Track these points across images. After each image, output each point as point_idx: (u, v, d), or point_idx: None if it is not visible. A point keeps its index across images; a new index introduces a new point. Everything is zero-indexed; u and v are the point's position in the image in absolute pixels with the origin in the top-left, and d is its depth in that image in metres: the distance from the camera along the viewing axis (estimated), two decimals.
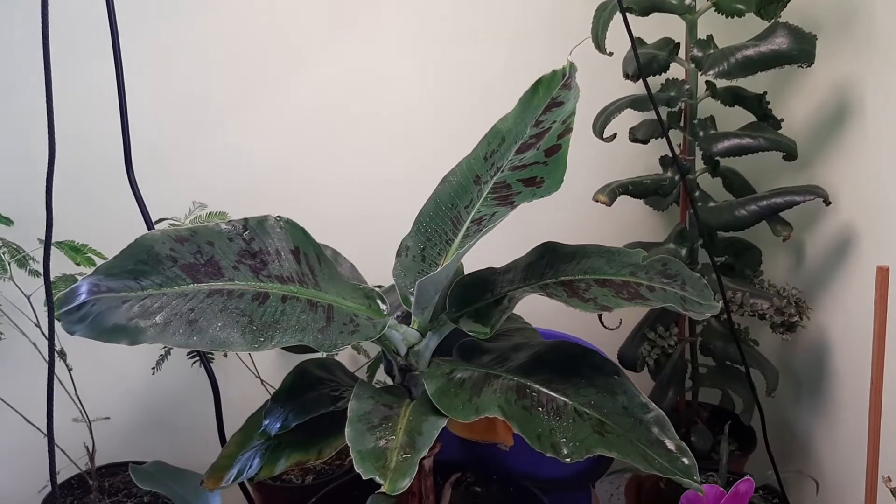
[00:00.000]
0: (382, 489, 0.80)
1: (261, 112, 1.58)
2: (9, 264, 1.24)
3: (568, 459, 0.85)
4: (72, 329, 0.84)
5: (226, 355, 1.53)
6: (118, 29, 0.99)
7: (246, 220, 0.99)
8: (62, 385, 1.39)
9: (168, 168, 1.50)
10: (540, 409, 0.91)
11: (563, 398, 0.93)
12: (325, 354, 1.29)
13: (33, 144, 1.50)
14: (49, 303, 0.75)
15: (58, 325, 1.33)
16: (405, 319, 1.07)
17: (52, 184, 0.73)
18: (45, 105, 1.46)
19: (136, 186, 1.07)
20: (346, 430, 0.87)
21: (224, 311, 0.88)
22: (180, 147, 1.55)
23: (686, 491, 1.03)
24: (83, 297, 0.84)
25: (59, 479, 1.48)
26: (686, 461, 0.87)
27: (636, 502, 1.55)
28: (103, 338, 0.84)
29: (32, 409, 1.42)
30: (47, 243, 0.77)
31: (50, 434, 0.78)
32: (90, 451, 1.44)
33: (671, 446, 0.89)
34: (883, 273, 0.95)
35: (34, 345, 1.37)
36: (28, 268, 1.33)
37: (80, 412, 1.41)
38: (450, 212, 1.10)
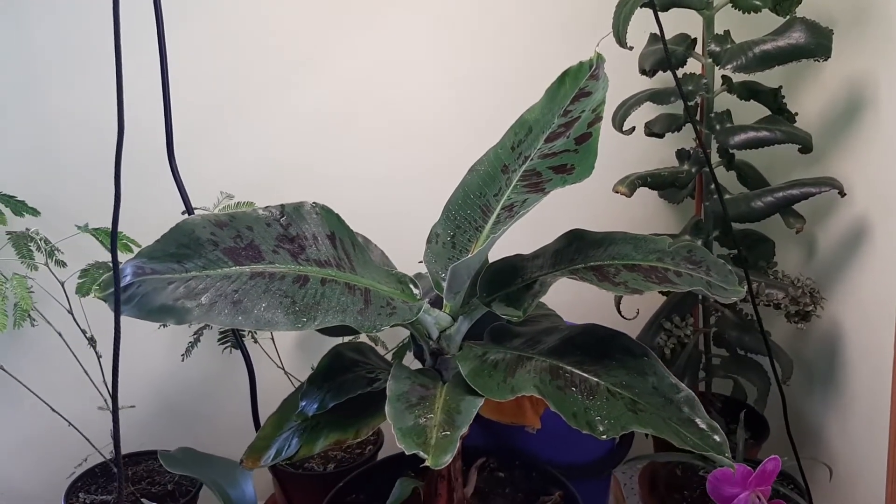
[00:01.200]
0: (426, 463, 0.82)
1: (283, 107, 1.60)
2: (45, 253, 1.26)
3: (604, 436, 0.87)
4: (119, 309, 0.85)
5: (255, 341, 1.55)
6: (164, 26, 1.01)
7: (283, 206, 1.01)
8: (87, 374, 1.41)
9: (192, 162, 1.52)
10: (574, 388, 0.93)
11: (596, 378, 0.95)
12: (348, 338, 1.30)
13: (54, 139, 1.52)
14: (116, 283, 0.77)
15: (90, 312, 1.36)
16: (436, 304, 1.09)
17: (121, 168, 0.75)
18: (68, 102, 1.50)
19: (178, 174, 1.09)
20: (387, 408, 0.89)
21: (267, 292, 0.90)
22: (204, 142, 1.57)
23: (713, 471, 1.06)
24: (128, 278, 0.86)
25: (83, 469, 1.51)
26: (718, 438, 0.89)
27: (650, 490, 1.57)
28: (151, 317, 0.85)
29: (55, 398, 1.44)
30: (114, 226, 0.79)
31: (115, 406, 0.80)
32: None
33: (702, 425, 0.91)
34: None
35: (59, 334, 1.39)
36: (55, 258, 1.35)
37: (107, 401, 1.43)
38: (478, 200, 1.12)
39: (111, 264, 1.21)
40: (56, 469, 1.52)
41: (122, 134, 0.72)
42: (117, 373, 0.79)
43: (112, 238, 0.76)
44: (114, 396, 0.78)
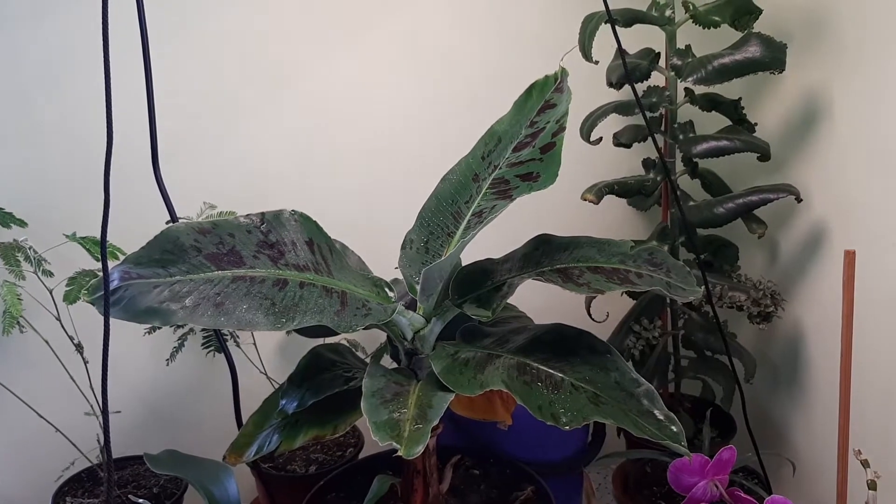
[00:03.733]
0: (399, 453, 0.86)
1: (265, 121, 1.65)
2: (33, 262, 1.29)
3: (567, 427, 0.92)
4: (109, 311, 0.90)
5: (237, 345, 1.59)
6: (148, 38, 1.06)
7: (263, 213, 1.06)
8: (74, 380, 1.44)
9: (177, 172, 1.56)
10: (539, 383, 0.99)
11: (560, 374, 1.00)
12: (328, 340, 1.35)
13: (40, 151, 1.56)
14: (105, 287, 0.81)
15: (77, 319, 1.40)
16: (410, 307, 1.14)
17: (109, 176, 0.80)
18: (54, 115, 1.54)
19: (163, 183, 1.13)
20: (362, 403, 0.94)
21: (248, 295, 0.95)
22: (189, 153, 1.61)
23: (673, 461, 1.11)
24: (115, 282, 0.91)
25: (70, 474, 1.54)
26: (675, 428, 0.94)
27: (623, 489, 1.62)
28: (137, 319, 0.90)
29: (41, 404, 1.47)
30: (104, 231, 0.83)
31: (105, 406, 0.84)
32: (102, 444, 1.49)
33: (660, 416, 0.96)
34: (850, 256, 1.03)
35: (46, 342, 1.42)
36: (42, 267, 1.39)
37: (93, 406, 1.46)
38: (450, 207, 1.17)
39: (98, 271, 1.26)
40: (43, 474, 1.54)
41: (111, 142, 0.76)
42: (106, 371, 0.83)
43: (102, 242, 0.81)
44: (104, 395, 0.83)
